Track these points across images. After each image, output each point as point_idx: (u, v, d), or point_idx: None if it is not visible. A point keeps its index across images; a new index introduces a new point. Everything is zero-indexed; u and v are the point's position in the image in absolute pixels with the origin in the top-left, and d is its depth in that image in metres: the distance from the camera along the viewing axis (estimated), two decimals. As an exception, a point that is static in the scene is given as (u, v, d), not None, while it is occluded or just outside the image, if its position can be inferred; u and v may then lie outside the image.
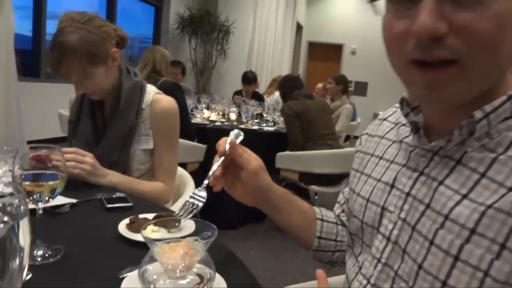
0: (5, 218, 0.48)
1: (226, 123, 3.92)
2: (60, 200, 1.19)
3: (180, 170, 1.84)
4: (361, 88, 10.57)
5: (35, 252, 0.86)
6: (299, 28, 10.81)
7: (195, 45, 8.14)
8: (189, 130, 3.23)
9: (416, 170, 0.71)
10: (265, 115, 4.13)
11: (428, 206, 0.66)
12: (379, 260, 0.73)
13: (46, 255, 0.87)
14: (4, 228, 0.48)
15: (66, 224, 1.10)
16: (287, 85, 3.67)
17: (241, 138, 0.91)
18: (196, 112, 3.98)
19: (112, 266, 0.82)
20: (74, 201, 1.21)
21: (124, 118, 1.54)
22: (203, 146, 3.35)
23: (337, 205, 1.06)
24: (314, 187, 3.28)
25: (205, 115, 4.02)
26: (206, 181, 0.85)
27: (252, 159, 0.88)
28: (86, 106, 1.61)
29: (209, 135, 3.52)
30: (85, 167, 1.36)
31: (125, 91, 1.55)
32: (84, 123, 1.61)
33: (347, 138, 5.52)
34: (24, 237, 0.48)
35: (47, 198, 0.85)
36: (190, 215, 0.81)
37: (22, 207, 0.49)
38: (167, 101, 1.62)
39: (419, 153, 0.71)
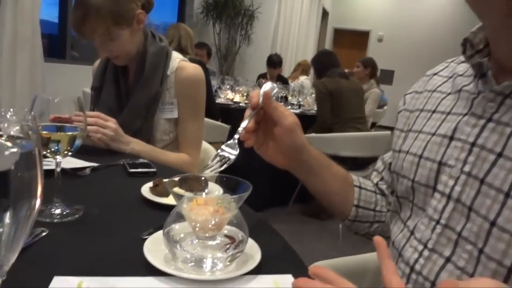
0: (15, 149, 0.41)
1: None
2: (81, 163, 1.13)
3: (205, 143, 1.77)
4: (387, 76, 10.30)
5: (53, 210, 0.80)
6: (324, 14, 10.59)
7: (219, 29, 8.05)
8: (213, 109, 3.16)
9: (482, 117, 0.62)
10: (290, 98, 4.03)
11: (500, 155, 0.58)
12: (437, 222, 0.64)
13: (65, 213, 0.80)
14: (13, 157, 0.41)
15: (86, 186, 1.03)
16: (321, 61, 3.53)
17: (276, 91, 0.82)
18: (220, 92, 3.91)
19: (134, 228, 0.75)
20: (96, 165, 1.14)
21: (148, 85, 1.47)
22: (227, 126, 3.27)
23: (374, 173, 0.97)
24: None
25: (229, 96, 3.94)
26: (236, 136, 0.77)
27: (287, 114, 0.79)
28: (110, 73, 1.55)
29: (233, 115, 3.44)
30: (107, 132, 1.30)
31: (150, 55, 1.48)
32: (108, 90, 1.55)
33: (373, 125, 5.36)
34: (37, 168, 0.41)
35: (65, 151, 0.78)
36: (221, 168, 0.73)
37: (34, 138, 0.42)
38: (193, 68, 1.54)
39: (486, 97, 0.62)
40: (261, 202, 3.34)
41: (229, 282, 0.61)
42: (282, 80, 5.24)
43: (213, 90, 3.80)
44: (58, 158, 0.79)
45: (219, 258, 0.63)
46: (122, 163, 1.18)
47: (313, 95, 3.71)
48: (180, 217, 0.64)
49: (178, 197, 0.63)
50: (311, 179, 0.85)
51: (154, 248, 0.65)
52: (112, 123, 1.32)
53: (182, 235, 0.65)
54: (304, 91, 4.22)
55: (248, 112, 0.79)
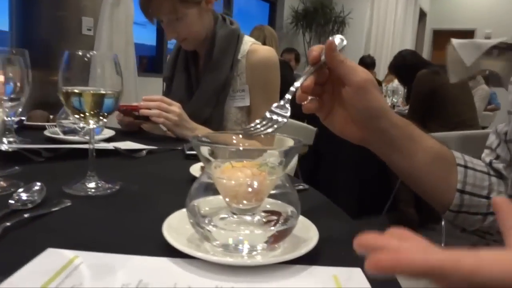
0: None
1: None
2: (138, 146, 1.05)
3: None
4: (497, 78, 9.24)
5: (87, 183, 0.71)
6: (422, 15, 9.90)
7: (309, 38, 7.94)
8: (296, 107, 2.99)
9: None
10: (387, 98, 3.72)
11: None
12: None
13: (97, 187, 0.71)
14: None
15: (135, 166, 0.94)
16: (410, 63, 3.14)
17: (344, 43, 0.63)
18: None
19: (171, 206, 0.61)
20: (153, 147, 1.05)
21: (218, 70, 1.36)
22: (313, 128, 3.08)
23: (486, 151, 0.73)
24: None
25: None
26: (288, 95, 0.60)
27: (358, 70, 0.60)
28: (181, 61, 1.48)
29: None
30: (170, 117, 1.21)
31: (219, 38, 1.38)
32: (178, 78, 1.48)
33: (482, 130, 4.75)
34: None
35: (95, 113, 0.68)
36: (266, 131, 0.56)
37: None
38: (266, 50, 1.40)
39: None
40: (352, 211, 3.08)
41: (272, 271, 0.44)
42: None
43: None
44: (91, 123, 0.69)
45: (260, 237, 0.47)
46: (182, 147, 1.07)
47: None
48: (209, 188, 0.49)
49: (206, 159, 0.48)
50: (395, 155, 0.64)
51: (177, 225, 0.51)
52: (176, 107, 1.23)
53: (210, 209, 0.50)
54: (399, 92, 3.88)
55: (307, 69, 0.62)
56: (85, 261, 0.45)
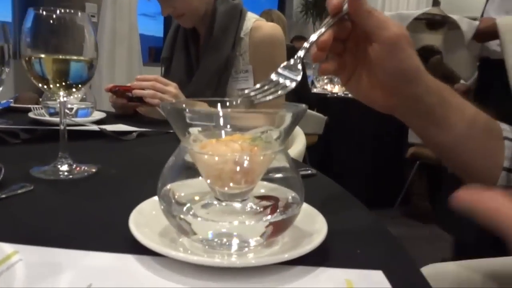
0: None
1: (350, 95, 3.48)
2: (127, 128, 0.95)
3: (297, 129, 1.50)
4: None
5: (59, 166, 0.61)
6: (435, 3, 9.66)
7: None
8: (308, 97, 2.88)
9: None
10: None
11: None
12: None
13: (71, 169, 0.61)
14: None
15: (121, 149, 0.84)
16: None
17: None
18: (316, 82, 3.63)
19: (148, 194, 0.51)
20: (144, 130, 0.95)
21: (218, 49, 1.25)
22: (323, 117, 2.97)
23: None
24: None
25: (327, 89, 3.64)
26: (301, 52, 0.49)
27: (389, 23, 0.49)
28: (180, 41, 1.37)
29: (331, 105, 3.12)
30: (166, 97, 1.11)
31: (220, 15, 1.27)
32: (177, 59, 1.37)
33: None
34: None
35: (59, 79, 0.58)
36: (270, 98, 0.45)
37: None
38: (270, 27, 1.29)
39: None
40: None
41: (268, 273, 0.34)
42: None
43: (309, 82, 3.54)
44: (61, 95, 0.59)
45: (253, 230, 0.36)
46: (177, 130, 0.97)
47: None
48: (187, 167, 0.38)
49: (182, 130, 0.37)
50: (430, 126, 0.53)
51: (150, 215, 0.40)
52: (172, 87, 1.13)
53: (189, 195, 0.39)
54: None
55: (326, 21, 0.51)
56: (26, 257, 0.35)
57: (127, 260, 0.35)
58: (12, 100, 1.28)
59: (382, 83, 0.51)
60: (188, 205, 0.38)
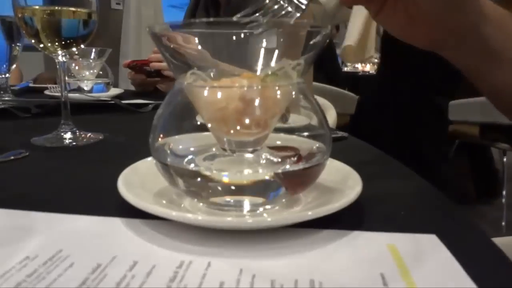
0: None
1: (382, 73, 3.33)
2: (143, 101, 0.89)
3: (318, 98, 1.41)
4: None
5: (62, 134, 0.55)
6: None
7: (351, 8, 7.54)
8: (338, 74, 2.77)
9: None
10: (431, 63, 3.39)
11: None
12: None
13: (75, 137, 0.55)
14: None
15: (136, 119, 0.78)
16: None
17: None
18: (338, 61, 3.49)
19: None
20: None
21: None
22: (355, 96, 2.84)
23: None
24: (502, 145, 2.49)
25: (358, 67, 3.50)
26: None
27: None
28: (201, 9, 1.31)
29: (362, 84, 2.99)
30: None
31: (240, -19, 1.19)
32: None
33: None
34: None
35: (52, 34, 0.51)
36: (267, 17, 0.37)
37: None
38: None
39: None
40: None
41: (288, 237, 0.26)
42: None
43: (339, 61, 3.40)
44: (60, 54, 0.53)
45: (268, 184, 0.29)
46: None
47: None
48: (185, 113, 0.31)
49: (177, 64, 0.30)
50: (487, 65, 0.43)
51: (145, 176, 0.34)
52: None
53: (189, 147, 0.32)
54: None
55: None
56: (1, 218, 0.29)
57: (112, 223, 0.29)
58: (31, 81, 1.25)
59: (424, 12, 0.41)
60: (189, 157, 0.31)
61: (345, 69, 3.39)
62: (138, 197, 0.28)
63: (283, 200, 0.30)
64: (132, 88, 1.29)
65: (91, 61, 1.02)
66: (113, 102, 0.84)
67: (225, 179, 0.28)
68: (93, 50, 1.02)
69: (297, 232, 0.27)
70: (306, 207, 0.30)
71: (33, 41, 0.52)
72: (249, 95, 0.27)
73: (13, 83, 1.23)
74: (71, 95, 0.98)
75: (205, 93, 0.28)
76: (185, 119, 0.32)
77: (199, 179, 0.28)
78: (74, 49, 0.54)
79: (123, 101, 0.87)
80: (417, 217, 0.31)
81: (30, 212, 0.30)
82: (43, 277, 0.22)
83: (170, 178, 0.30)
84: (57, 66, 0.55)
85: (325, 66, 2.83)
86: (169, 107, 0.31)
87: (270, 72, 0.29)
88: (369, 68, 3.43)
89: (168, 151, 0.31)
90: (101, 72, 1.07)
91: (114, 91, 1.06)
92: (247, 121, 0.28)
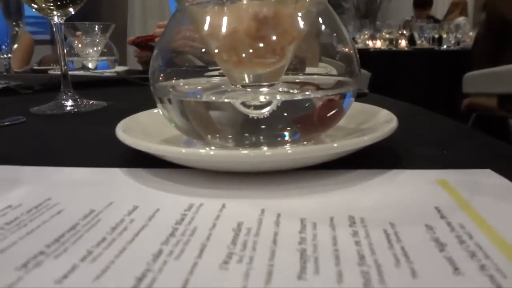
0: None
1: (394, 49, 3.24)
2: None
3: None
4: None
5: (63, 102, 0.52)
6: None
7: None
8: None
9: None
10: (444, 36, 3.28)
11: None
12: None
13: (77, 104, 0.52)
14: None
15: (140, 92, 0.74)
16: None
17: None
18: (357, 38, 3.41)
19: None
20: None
21: None
22: (367, 73, 2.77)
23: None
24: (522, 115, 2.40)
25: (369, 44, 3.41)
26: None
27: None
28: None
29: (374, 61, 2.91)
30: (196, 45, 0.99)
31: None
32: None
33: None
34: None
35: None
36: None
37: None
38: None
39: None
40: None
41: (315, 177, 0.22)
42: (435, 20, 4.41)
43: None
44: (55, 16, 0.49)
45: (291, 112, 0.24)
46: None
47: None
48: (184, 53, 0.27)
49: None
50: None
51: (147, 125, 0.30)
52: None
53: (197, 87, 0.28)
54: (464, 27, 3.43)
55: None
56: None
57: (110, 173, 0.25)
58: (35, 64, 1.22)
59: None
60: (195, 93, 0.27)
61: (356, 46, 3.31)
62: (139, 139, 0.24)
63: (304, 141, 0.26)
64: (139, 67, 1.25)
65: (94, 37, 0.98)
66: (117, 76, 0.80)
67: (237, 105, 0.23)
68: (96, 26, 0.98)
69: (325, 173, 0.23)
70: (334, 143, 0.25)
71: (31, 5, 0.48)
72: (262, 13, 0.23)
73: (19, 66, 1.20)
74: (74, 72, 0.95)
75: (210, 14, 0.24)
76: (188, 54, 0.27)
77: (207, 112, 0.24)
78: (70, 9, 0.50)
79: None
80: (464, 154, 0.27)
81: (17, 166, 0.27)
82: (24, 224, 0.18)
83: (175, 116, 0.26)
84: (53, 29, 0.51)
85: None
86: (168, 41, 0.27)
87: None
88: (380, 44, 3.34)
89: (171, 90, 0.27)
90: (105, 50, 1.03)
91: (119, 68, 1.02)
92: (261, 46, 0.24)
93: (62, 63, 0.53)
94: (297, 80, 0.29)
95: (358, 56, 0.27)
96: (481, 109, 2.57)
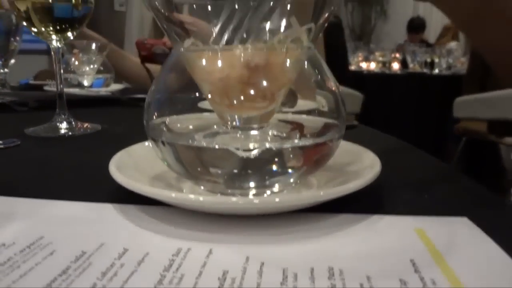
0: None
1: (387, 71, 3.29)
2: (145, 95, 0.86)
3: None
4: None
5: (58, 123, 0.52)
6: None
7: (352, 8, 7.51)
8: (345, 72, 2.73)
9: None
10: (436, 60, 3.34)
11: None
12: None
13: (71, 127, 0.52)
14: None
15: (137, 113, 0.75)
16: None
17: None
18: (350, 59, 3.46)
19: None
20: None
21: None
22: (360, 95, 2.81)
23: None
24: (510, 140, 2.44)
25: (362, 66, 3.46)
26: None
27: None
28: None
29: (368, 83, 2.96)
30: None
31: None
32: None
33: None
34: None
35: (43, 18, 0.48)
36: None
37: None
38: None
39: None
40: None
41: (303, 221, 0.23)
42: (427, 45, 4.49)
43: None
44: (54, 40, 0.51)
45: (278, 160, 0.25)
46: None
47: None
48: (180, 90, 0.28)
49: (174, 32, 0.27)
50: (480, 22, 0.38)
51: (141, 159, 0.31)
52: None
53: (189, 127, 0.29)
54: (455, 52, 3.49)
55: None
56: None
57: (102, 209, 0.26)
58: (31, 78, 1.23)
59: None
60: (187, 135, 0.28)
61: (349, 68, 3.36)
62: (131, 179, 0.25)
63: (292, 182, 0.27)
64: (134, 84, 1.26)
65: (91, 55, 0.99)
66: (112, 96, 0.81)
67: (231, 149, 0.24)
68: (93, 44, 0.99)
69: (310, 217, 0.24)
70: (319, 190, 0.26)
71: (25, 24, 0.49)
72: (254, 61, 0.24)
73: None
74: (70, 90, 0.95)
75: (205, 60, 0.25)
76: (183, 94, 0.29)
77: (199, 156, 0.25)
78: (69, 33, 0.51)
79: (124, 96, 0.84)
80: (443, 200, 0.28)
81: (12, 198, 0.27)
82: (17, 265, 0.19)
83: (166, 156, 0.27)
84: (52, 53, 0.52)
85: (336, 64, 2.80)
86: (163, 81, 0.28)
87: (277, 39, 0.26)
88: (373, 66, 3.40)
89: (164, 129, 0.28)
90: (101, 68, 1.04)
91: (115, 87, 1.03)
92: (252, 92, 0.25)
93: (59, 82, 0.53)
94: (286, 119, 0.30)
95: (344, 99, 0.28)
96: (472, 133, 2.61)
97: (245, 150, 0.25)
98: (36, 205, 0.26)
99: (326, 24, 0.27)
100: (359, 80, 2.97)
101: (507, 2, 0.35)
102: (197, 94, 0.27)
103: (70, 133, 0.51)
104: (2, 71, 0.93)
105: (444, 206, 0.27)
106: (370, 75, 3.09)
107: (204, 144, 0.26)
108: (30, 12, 0.47)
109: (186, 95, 0.28)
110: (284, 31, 0.26)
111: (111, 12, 3.62)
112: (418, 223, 0.23)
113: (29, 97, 0.80)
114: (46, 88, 1.00)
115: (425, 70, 3.08)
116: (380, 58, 3.43)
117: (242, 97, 0.25)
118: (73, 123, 0.53)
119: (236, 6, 0.26)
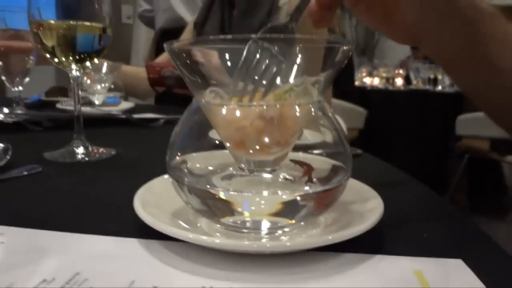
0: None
1: (391, 88, 3.32)
2: (154, 115, 0.89)
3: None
4: None
5: (75, 148, 0.55)
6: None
7: (356, 23, 7.58)
8: (351, 87, 2.77)
9: None
10: (440, 77, 3.38)
11: None
12: None
13: (88, 152, 0.55)
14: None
15: (147, 134, 0.78)
16: None
17: None
18: (354, 75, 3.49)
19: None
20: (174, 117, 0.89)
21: (250, 16, 1.17)
22: (363, 111, 2.84)
23: None
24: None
25: (366, 82, 3.50)
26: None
27: None
28: (216, 6, 1.30)
29: (371, 98, 2.99)
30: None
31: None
32: (210, 25, 1.29)
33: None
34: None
35: (65, 49, 0.51)
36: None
37: None
38: None
39: None
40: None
41: (309, 262, 0.26)
42: (431, 61, 4.53)
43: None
44: (74, 69, 0.54)
45: (289, 206, 0.28)
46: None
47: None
48: (202, 131, 0.31)
49: (195, 81, 0.30)
50: (472, 71, 0.38)
51: (161, 195, 0.33)
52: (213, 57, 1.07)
53: (206, 166, 0.32)
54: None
55: None
56: (9, 240, 0.28)
57: (130, 245, 0.28)
58: (43, 94, 1.26)
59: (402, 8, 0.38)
60: (204, 177, 0.30)
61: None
62: (155, 218, 0.28)
63: (302, 222, 0.29)
64: (143, 102, 1.29)
65: (102, 75, 1.03)
66: (124, 116, 0.84)
67: (244, 205, 0.27)
68: (105, 64, 1.02)
69: (317, 256, 0.26)
70: (326, 230, 0.29)
71: (48, 55, 0.52)
72: (269, 113, 0.27)
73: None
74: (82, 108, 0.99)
75: (224, 111, 0.28)
76: (203, 137, 0.31)
77: (216, 201, 0.28)
78: (88, 63, 0.54)
79: (134, 115, 0.87)
80: (441, 239, 0.30)
81: (46, 232, 0.30)
82: (60, 302, 0.21)
83: (187, 198, 0.29)
84: (71, 81, 0.55)
85: (341, 79, 2.84)
86: (186, 124, 0.31)
87: (288, 88, 0.29)
88: (377, 82, 3.43)
89: (185, 170, 0.30)
90: (112, 86, 1.07)
91: (124, 105, 1.06)
92: (266, 140, 0.28)
93: (77, 107, 0.56)
94: (296, 160, 0.32)
95: (349, 145, 0.31)
96: (474, 151, 2.63)
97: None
98: (68, 239, 0.29)
99: (335, 77, 0.29)
100: (362, 95, 3.00)
101: (489, 46, 0.37)
102: (216, 141, 0.30)
103: (86, 159, 0.54)
104: (16, 89, 0.96)
105: (441, 246, 0.29)
106: (373, 90, 3.12)
107: (221, 192, 0.28)
108: (54, 45, 0.50)
109: (206, 138, 0.31)
110: (295, 80, 0.29)
111: (118, 25, 3.67)
112: (417, 265, 0.26)
113: (43, 117, 0.83)
114: (58, 105, 1.03)
115: (428, 87, 3.11)
116: (384, 74, 3.46)
117: (257, 145, 0.28)
118: (89, 148, 0.56)
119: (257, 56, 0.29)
